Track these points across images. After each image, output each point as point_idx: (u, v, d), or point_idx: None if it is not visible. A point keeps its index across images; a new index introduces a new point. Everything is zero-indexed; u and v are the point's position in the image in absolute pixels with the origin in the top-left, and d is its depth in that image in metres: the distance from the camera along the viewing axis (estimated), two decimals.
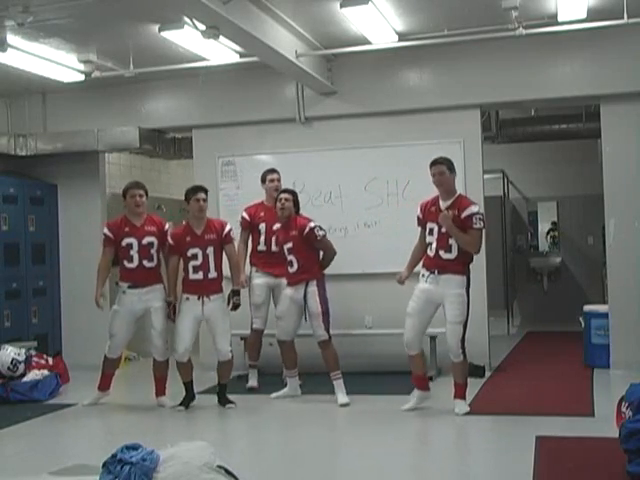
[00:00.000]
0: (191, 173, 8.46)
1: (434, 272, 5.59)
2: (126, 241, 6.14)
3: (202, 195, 6.10)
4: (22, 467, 4.70)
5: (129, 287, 6.14)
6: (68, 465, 4.39)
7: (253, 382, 6.85)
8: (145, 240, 6.15)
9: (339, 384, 6.16)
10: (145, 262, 6.14)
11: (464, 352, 5.67)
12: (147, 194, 6.30)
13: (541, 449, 4.57)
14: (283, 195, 6.24)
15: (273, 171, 6.99)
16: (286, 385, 6.46)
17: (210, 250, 6.08)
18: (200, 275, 6.06)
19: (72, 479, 4.02)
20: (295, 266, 6.16)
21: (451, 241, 5.56)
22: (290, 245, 6.18)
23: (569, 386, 6.70)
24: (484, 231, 5.68)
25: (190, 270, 6.09)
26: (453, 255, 5.56)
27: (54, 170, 8.48)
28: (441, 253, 5.58)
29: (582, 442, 4.81)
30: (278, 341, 6.35)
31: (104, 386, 6.35)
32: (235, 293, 6.14)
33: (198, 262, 6.06)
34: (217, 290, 6.12)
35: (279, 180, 6.95)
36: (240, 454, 4.84)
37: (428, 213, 5.72)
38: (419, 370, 5.85)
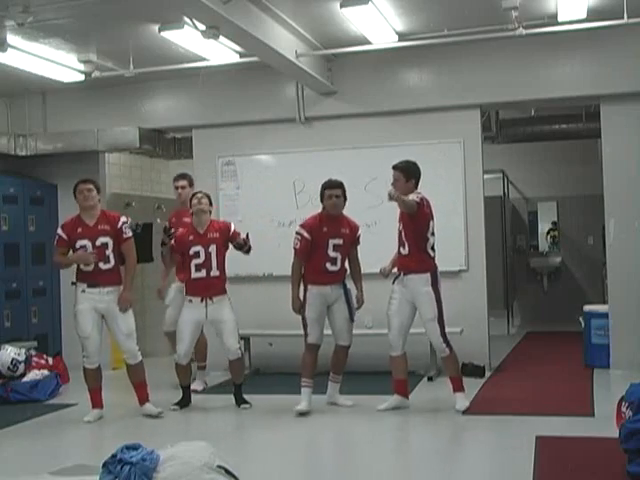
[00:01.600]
0: (191, 173, 8.46)
1: (401, 273, 5.78)
2: (80, 243, 5.80)
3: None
4: (22, 467, 4.70)
5: (88, 286, 5.80)
6: (68, 465, 4.39)
7: (198, 385, 6.81)
8: (99, 241, 5.81)
9: (337, 387, 6.15)
10: (101, 264, 5.79)
11: (449, 345, 5.74)
12: (98, 190, 5.95)
13: (541, 449, 4.57)
14: (334, 192, 5.94)
15: (179, 177, 6.89)
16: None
17: (212, 248, 6.04)
18: (203, 273, 6.02)
19: (72, 479, 4.02)
20: (338, 265, 5.96)
21: (404, 237, 5.74)
22: (340, 242, 5.95)
23: (569, 386, 6.70)
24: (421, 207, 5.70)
25: (193, 269, 6.05)
26: (407, 250, 5.73)
27: (54, 170, 8.48)
28: (400, 250, 5.79)
29: (582, 442, 4.81)
30: (310, 345, 5.98)
31: (96, 404, 5.94)
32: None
33: (200, 260, 6.03)
34: (220, 291, 6.08)
35: (184, 187, 6.85)
36: (240, 454, 4.84)
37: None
38: (399, 374, 5.86)
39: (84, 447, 5.24)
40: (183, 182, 6.96)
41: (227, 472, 3.36)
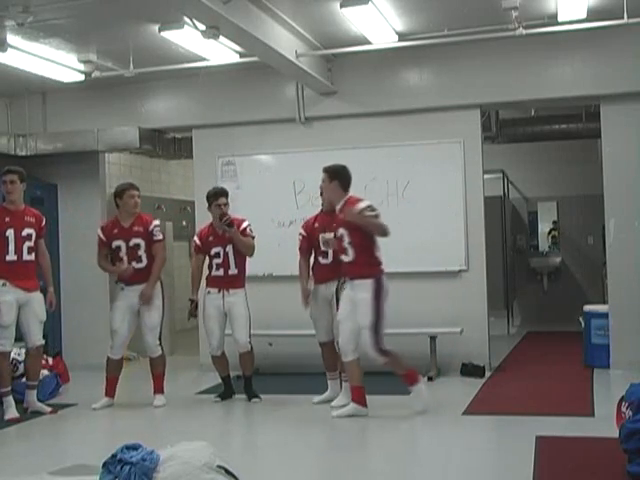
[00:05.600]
0: (191, 173, 8.46)
1: (347, 278, 5.65)
2: (115, 243, 6.27)
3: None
4: (22, 467, 4.70)
5: (126, 284, 6.27)
6: (68, 465, 4.38)
7: (13, 412, 5.95)
8: (132, 242, 6.26)
9: (347, 386, 6.00)
10: (134, 263, 6.25)
11: (384, 353, 5.50)
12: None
13: (541, 449, 4.57)
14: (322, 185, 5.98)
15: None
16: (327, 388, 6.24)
17: (229, 248, 6.25)
18: (221, 272, 6.28)
19: (72, 479, 4.02)
20: (329, 258, 6.01)
21: (345, 244, 5.58)
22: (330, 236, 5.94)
23: (569, 386, 6.70)
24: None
25: (213, 267, 6.31)
26: (351, 257, 5.56)
27: (54, 170, 8.48)
28: (343, 257, 5.63)
29: (582, 442, 4.81)
30: (319, 343, 6.23)
31: (109, 393, 6.31)
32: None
33: (220, 260, 6.27)
34: (238, 285, 6.29)
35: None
36: (240, 454, 4.84)
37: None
38: (354, 381, 5.65)
39: (84, 447, 5.23)
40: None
41: (227, 472, 3.37)
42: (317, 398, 6.15)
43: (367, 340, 5.48)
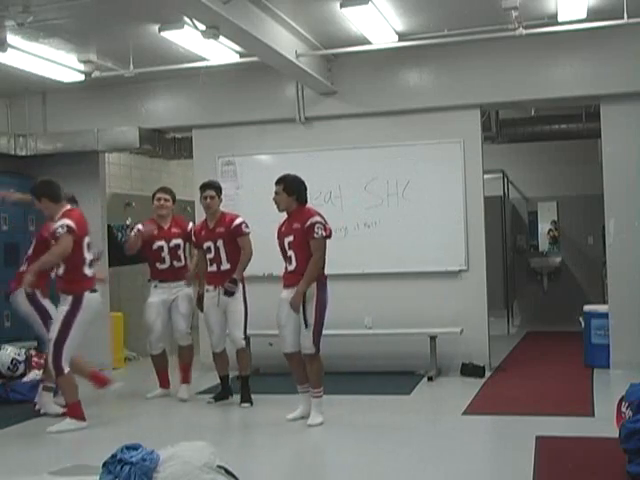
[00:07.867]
0: (191, 173, 8.46)
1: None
2: (157, 244, 6.52)
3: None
4: (22, 467, 4.70)
5: (160, 281, 6.54)
6: (68, 465, 4.39)
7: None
8: (172, 242, 6.55)
9: (318, 403, 5.52)
10: (175, 262, 6.55)
11: (58, 371, 5.49)
12: (174, 199, 6.70)
13: (541, 449, 4.57)
14: (208, 192, 6.26)
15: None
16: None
17: (220, 243, 6.23)
18: (214, 267, 6.28)
19: (72, 479, 4.02)
20: (293, 264, 5.46)
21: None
22: (291, 239, 5.46)
23: (569, 386, 6.70)
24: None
25: (207, 263, 6.32)
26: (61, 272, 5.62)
27: (54, 170, 8.45)
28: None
29: (582, 442, 4.81)
30: (285, 354, 5.62)
31: (163, 384, 6.63)
32: (232, 281, 6.16)
33: (212, 255, 6.28)
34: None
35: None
36: (240, 454, 4.84)
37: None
38: (70, 397, 5.59)
39: (84, 447, 5.23)
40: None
41: (227, 472, 3.37)
42: (291, 415, 5.63)
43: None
